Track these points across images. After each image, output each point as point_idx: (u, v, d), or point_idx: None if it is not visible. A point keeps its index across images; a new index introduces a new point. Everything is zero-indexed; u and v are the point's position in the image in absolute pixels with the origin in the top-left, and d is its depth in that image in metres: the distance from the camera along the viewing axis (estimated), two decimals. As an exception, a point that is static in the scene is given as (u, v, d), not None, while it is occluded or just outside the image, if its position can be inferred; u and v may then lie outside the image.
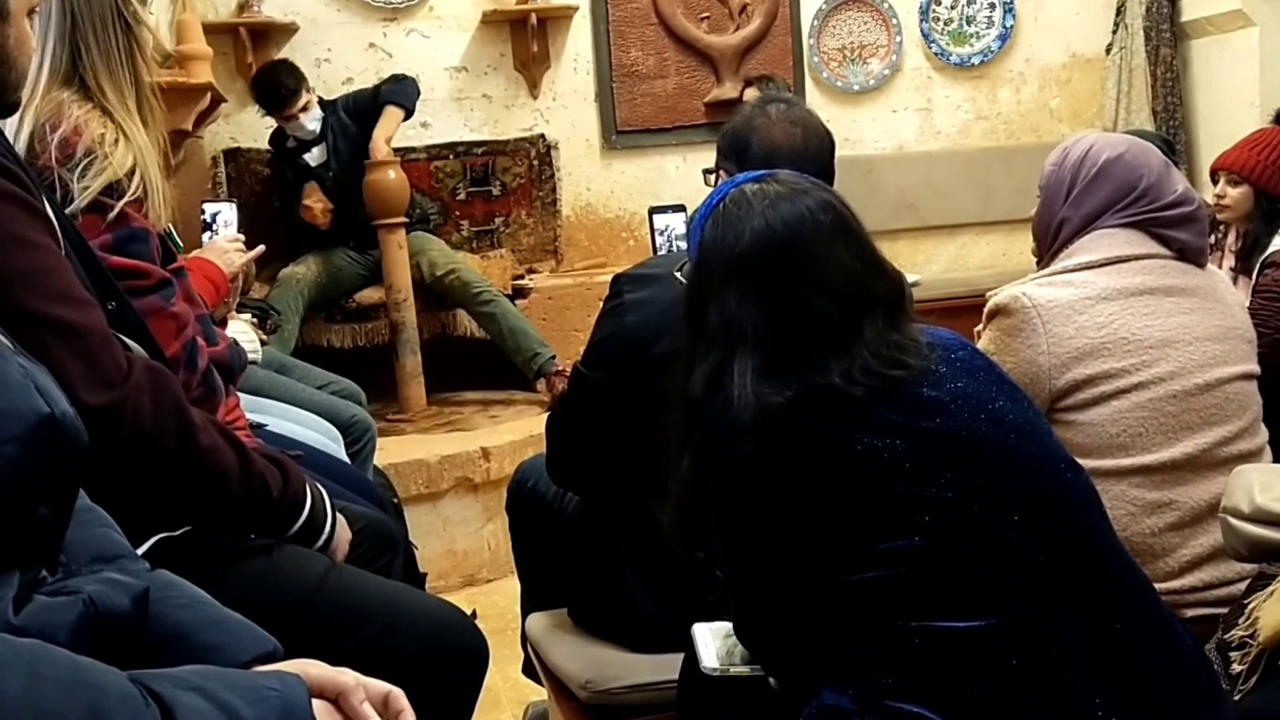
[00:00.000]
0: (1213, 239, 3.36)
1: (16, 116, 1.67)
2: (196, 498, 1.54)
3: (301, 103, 4.44)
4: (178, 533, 1.54)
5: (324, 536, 1.72)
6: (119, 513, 1.25)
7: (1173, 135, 5.33)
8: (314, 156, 4.60)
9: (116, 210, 1.68)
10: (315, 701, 0.98)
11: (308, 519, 1.69)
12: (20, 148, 1.67)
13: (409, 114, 4.55)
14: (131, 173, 1.72)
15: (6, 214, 1.36)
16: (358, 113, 4.55)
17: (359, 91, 4.67)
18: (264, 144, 5.00)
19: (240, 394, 2.15)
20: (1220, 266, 3.35)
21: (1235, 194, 3.27)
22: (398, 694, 1.08)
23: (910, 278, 1.57)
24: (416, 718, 1.09)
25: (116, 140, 1.73)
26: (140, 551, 1.30)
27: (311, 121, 4.51)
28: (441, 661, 1.67)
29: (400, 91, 4.52)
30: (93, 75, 1.75)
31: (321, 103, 4.60)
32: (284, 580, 1.60)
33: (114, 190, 1.69)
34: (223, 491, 1.55)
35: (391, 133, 4.40)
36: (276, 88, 4.43)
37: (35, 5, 1.48)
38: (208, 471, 1.52)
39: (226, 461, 1.54)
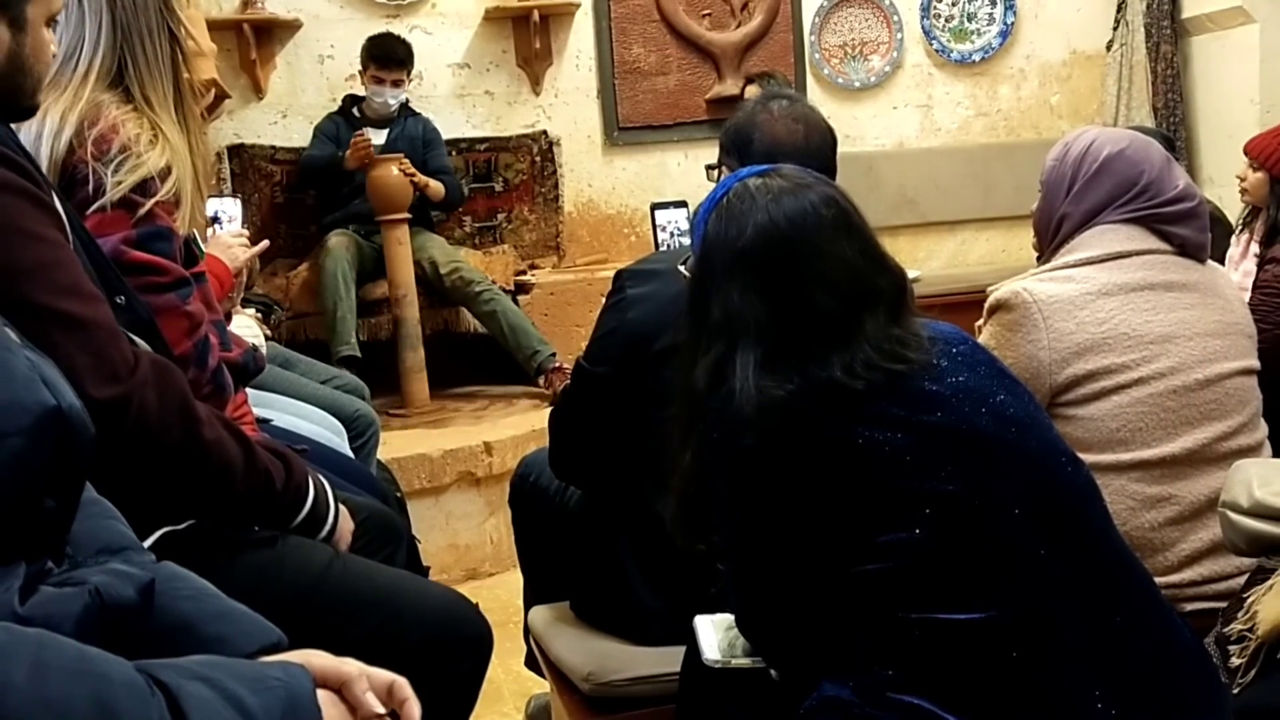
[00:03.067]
0: (1242, 222, 3.51)
1: (59, 117, 1.70)
2: (200, 491, 1.54)
3: (399, 77, 4.70)
4: (182, 526, 1.55)
5: (327, 528, 1.73)
6: (124, 506, 1.26)
7: (1173, 132, 5.32)
8: (374, 136, 4.67)
9: (146, 208, 1.70)
10: (319, 691, 0.99)
11: (310, 511, 1.69)
12: (61, 147, 1.69)
13: (447, 203, 4.81)
14: (165, 174, 1.74)
15: (16, 208, 1.37)
16: (428, 143, 4.80)
17: (441, 139, 4.90)
18: (268, 140, 5.02)
19: (246, 389, 2.15)
20: (1248, 249, 3.44)
21: (1254, 178, 3.43)
22: (401, 683, 1.08)
23: (911, 274, 1.58)
24: (423, 703, 1.10)
25: (153, 140, 1.75)
26: (146, 545, 1.31)
27: (393, 100, 4.72)
28: (446, 647, 1.68)
29: (455, 188, 4.84)
30: (137, 84, 1.78)
31: (406, 104, 4.83)
32: (288, 570, 1.61)
33: (146, 188, 1.71)
34: (227, 485, 1.55)
35: (431, 192, 4.64)
36: (391, 48, 4.69)
37: (55, 13, 1.50)
38: (212, 465, 1.52)
39: (231, 455, 1.55)
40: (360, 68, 4.76)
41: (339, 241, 4.53)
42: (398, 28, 5.11)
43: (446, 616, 1.71)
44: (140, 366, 1.44)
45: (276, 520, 1.66)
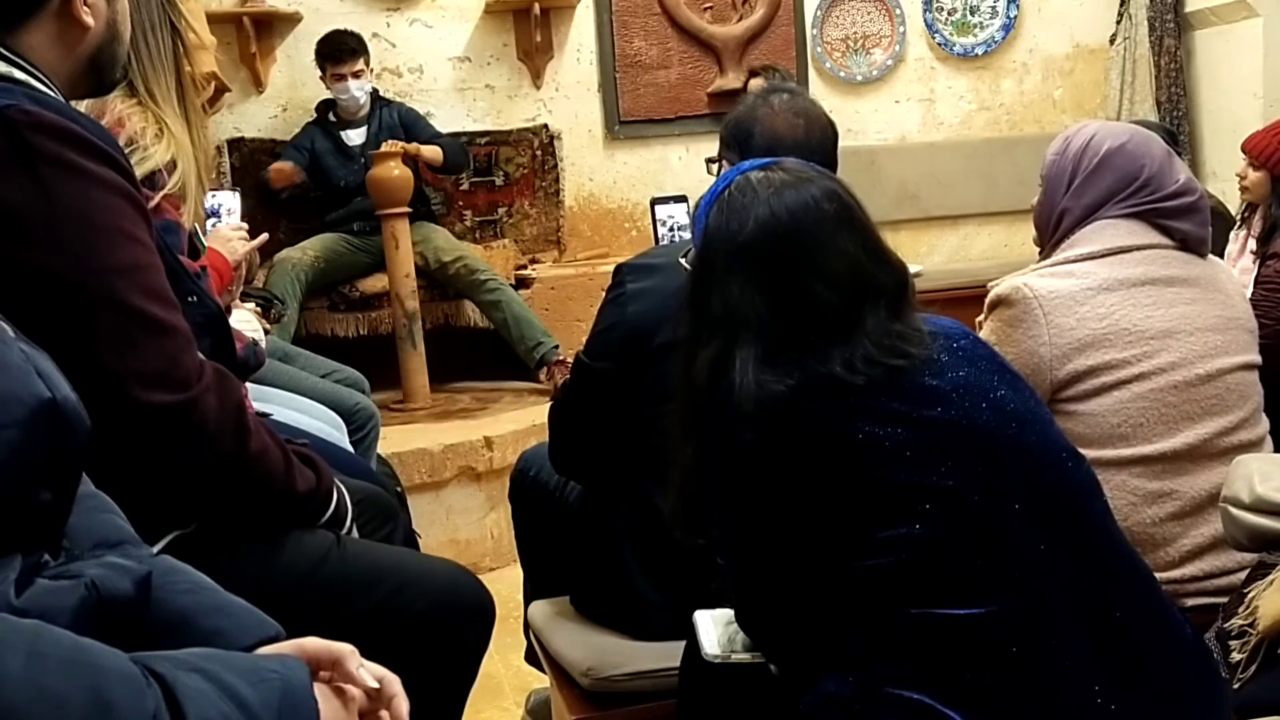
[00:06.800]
0: (1240, 218, 3.51)
1: None
2: (239, 496, 1.58)
3: (355, 67, 4.64)
4: (190, 528, 1.57)
5: (344, 530, 1.76)
6: (137, 512, 1.26)
7: (1176, 126, 5.32)
8: (353, 136, 4.72)
9: (154, 202, 1.71)
10: (317, 685, 0.99)
11: (331, 516, 1.73)
12: None
13: (450, 164, 4.76)
14: (171, 168, 1.75)
15: (119, 209, 1.42)
16: (408, 124, 4.77)
17: (420, 115, 4.89)
18: (268, 134, 5.02)
19: (246, 383, 2.16)
20: (1245, 245, 3.44)
21: (1254, 177, 3.42)
22: (391, 678, 1.09)
23: (912, 268, 1.57)
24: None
25: (158, 135, 1.76)
26: (156, 550, 1.32)
27: (359, 92, 4.67)
28: (451, 617, 1.70)
29: (454, 147, 4.77)
30: (141, 79, 1.79)
31: (376, 95, 4.81)
32: (291, 554, 1.63)
33: (152, 182, 1.72)
34: (265, 492, 1.60)
35: (427, 157, 4.60)
36: (339, 44, 4.65)
37: None
38: (255, 473, 1.56)
39: (273, 465, 1.59)
40: (319, 73, 4.73)
41: (299, 256, 4.54)
42: (397, 21, 5.11)
43: (449, 587, 1.73)
44: (205, 374, 1.48)
45: (298, 523, 1.68)
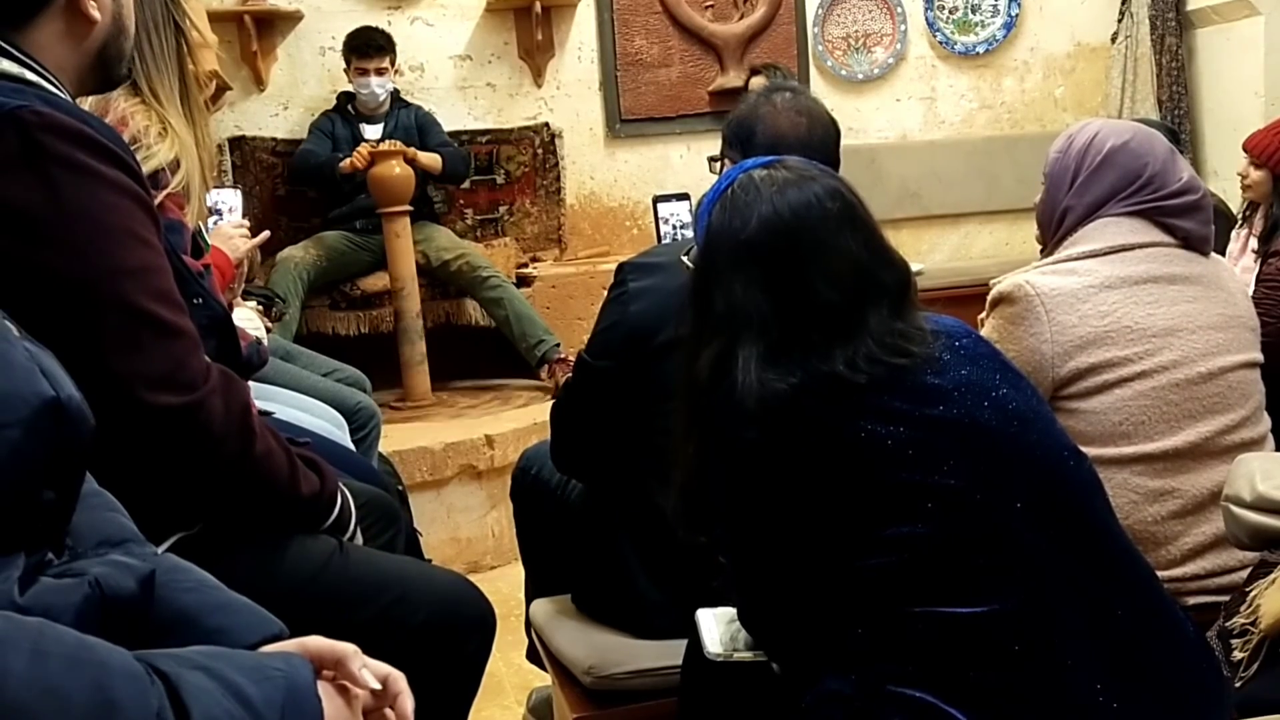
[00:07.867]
0: (1242, 217, 3.52)
1: None
2: (243, 498, 1.58)
3: (380, 64, 4.68)
4: (194, 530, 1.57)
5: (347, 535, 1.76)
6: (142, 513, 1.26)
7: (1177, 125, 5.32)
8: (370, 131, 4.74)
9: (157, 201, 1.71)
10: (320, 683, 0.99)
11: (335, 519, 1.72)
12: None
13: (450, 173, 4.78)
14: (174, 167, 1.76)
15: (128, 211, 1.42)
16: (423, 128, 4.79)
17: (436, 121, 4.89)
18: (269, 132, 5.02)
19: (248, 382, 2.16)
20: (1247, 244, 3.45)
21: (1256, 176, 3.44)
22: (396, 676, 1.08)
23: (914, 267, 1.57)
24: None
25: (161, 133, 1.76)
26: (160, 550, 1.32)
27: (379, 89, 4.70)
28: (452, 628, 1.70)
29: (456, 157, 4.79)
30: (145, 78, 1.79)
31: (397, 95, 4.84)
32: (293, 560, 1.63)
33: (156, 181, 1.72)
34: (269, 495, 1.60)
35: (424, 164, 4.60)
36: (367, 39, 4.69)
37: None
38: (259, 477, 1.57)
39: (277, 468, 1.59)
40: (344, 65, 4.76)
41: (301, 254, 4.54)
42: (399, 19, 5.11)
43: (450, 598, 1.73)
44: (211, 376, 1.48)
45: (302, 527, 1.69)
